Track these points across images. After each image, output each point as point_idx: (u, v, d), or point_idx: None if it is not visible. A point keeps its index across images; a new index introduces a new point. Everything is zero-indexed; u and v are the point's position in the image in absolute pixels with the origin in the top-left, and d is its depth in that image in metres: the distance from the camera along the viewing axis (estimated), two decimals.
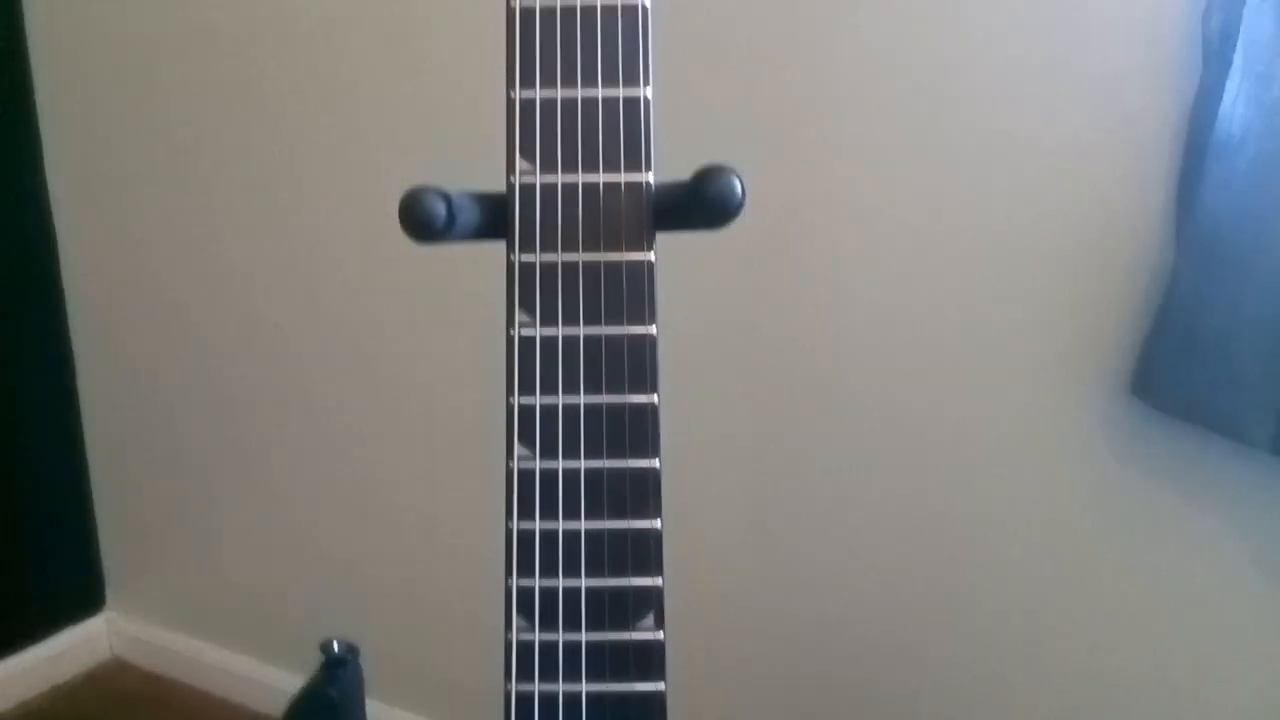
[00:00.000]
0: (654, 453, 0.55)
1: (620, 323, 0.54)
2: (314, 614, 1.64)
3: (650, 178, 0.53)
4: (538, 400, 0.54)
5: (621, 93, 0.52)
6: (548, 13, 0.52)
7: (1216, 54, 0.91)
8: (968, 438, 1.16)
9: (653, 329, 0.54)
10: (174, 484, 1.75)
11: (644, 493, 0.55)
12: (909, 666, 1.25)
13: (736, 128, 1.20)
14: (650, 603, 0.56)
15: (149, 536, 1.82)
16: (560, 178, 0.53)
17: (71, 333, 1.77)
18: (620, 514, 0.55)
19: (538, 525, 0.55)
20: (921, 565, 1.21)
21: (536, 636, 0.56)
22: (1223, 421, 0.97)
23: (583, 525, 0.55)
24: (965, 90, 1.09)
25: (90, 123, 1.65)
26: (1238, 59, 0.89)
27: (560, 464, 0.55)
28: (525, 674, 0.56)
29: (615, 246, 0.53)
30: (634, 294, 0.54)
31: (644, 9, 0.52)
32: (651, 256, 0.53)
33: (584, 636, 0.55)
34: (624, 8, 0.52)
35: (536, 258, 0.53)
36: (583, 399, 0.54)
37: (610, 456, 0.55)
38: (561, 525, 0.55)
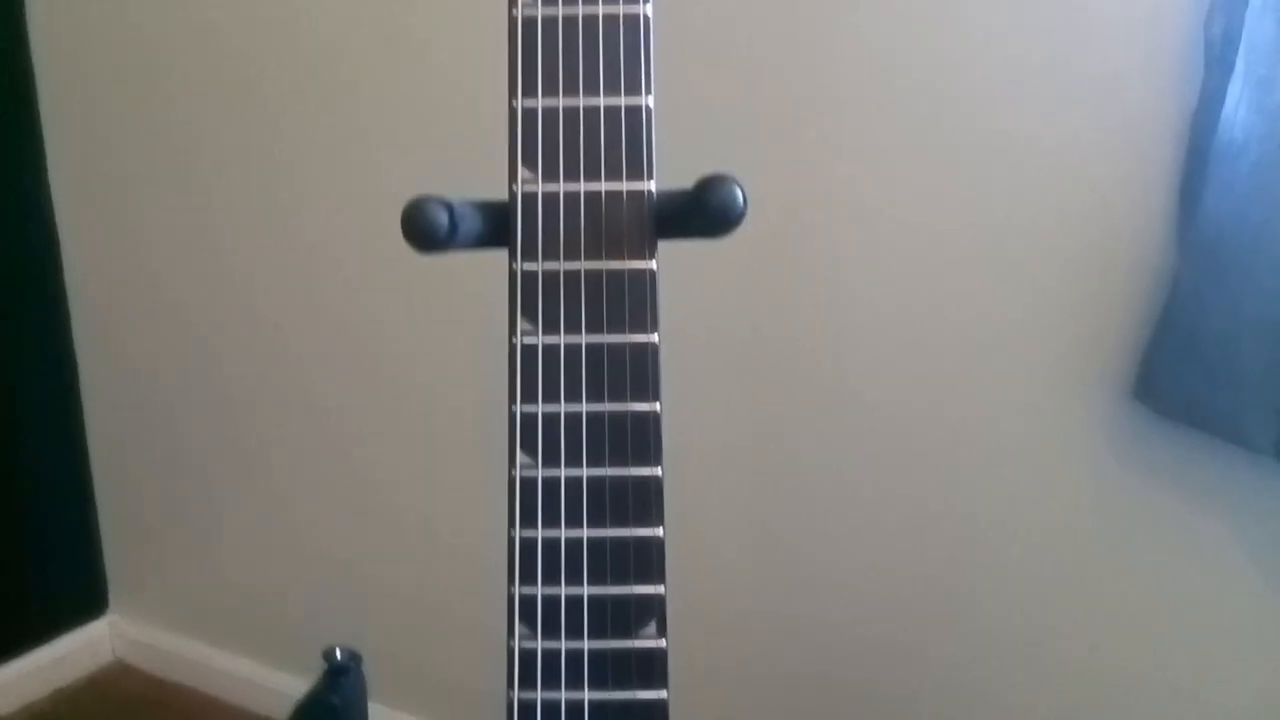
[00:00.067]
0: (656, 461, 0.55)
1: (622, 331, 0.54)
2: (317, 617, 1.64)
3: (652, 186, 0.53)
4: (540, 408, 0.55)
5: (623, 102, 0.53)
6: (549, 22, 0.52)
7: (1219, 58, 0.91)
8: (969, 441, 1.16)
9: (654, 337, 0.54)
10: (177, 487, 1.75)
11: (646, 501, 0.55)
12: (910, 667, 1.25)
13: (736, 128, 1.20)
14: (652, 610, 0.56)
15: (151, 539, 1.82)
16: (562, 186, 0.53)
17: (73, 333, 1.77)
18: (622, 522, 0.55)
19: (540, 533, 0.55)
20: (923, 567, 1.22)
21: (539, 645, 0.56)
22: (1224, 425, 0.97)
23: (585, 533, 0.55)
24: (966, 91, 1.09)
25: (92, 123, 1.66)
26: (1240, 63, 0.89)
27: (562, 472, 0.55)
28: (528, 682, 0.56)
29: (617, 255, 0.53)
30: (636, 302, 0.54)
31: (645, 18, 0.52)
32: (653, 265, 0.54)
33: (586, 644, 0.56)
34: (625, 17, 0.52)
35: (539, 266, 0.54)
36: (585, 407, 0.54)
37: (612, 465, 0.55)
38: (564, 533, 0.55)
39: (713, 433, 1.28)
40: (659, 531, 0.55)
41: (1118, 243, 1.05)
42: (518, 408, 0.54)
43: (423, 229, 0.50)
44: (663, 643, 0.56)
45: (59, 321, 1.76)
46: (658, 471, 0.55)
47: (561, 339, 0.54)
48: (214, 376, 1.66)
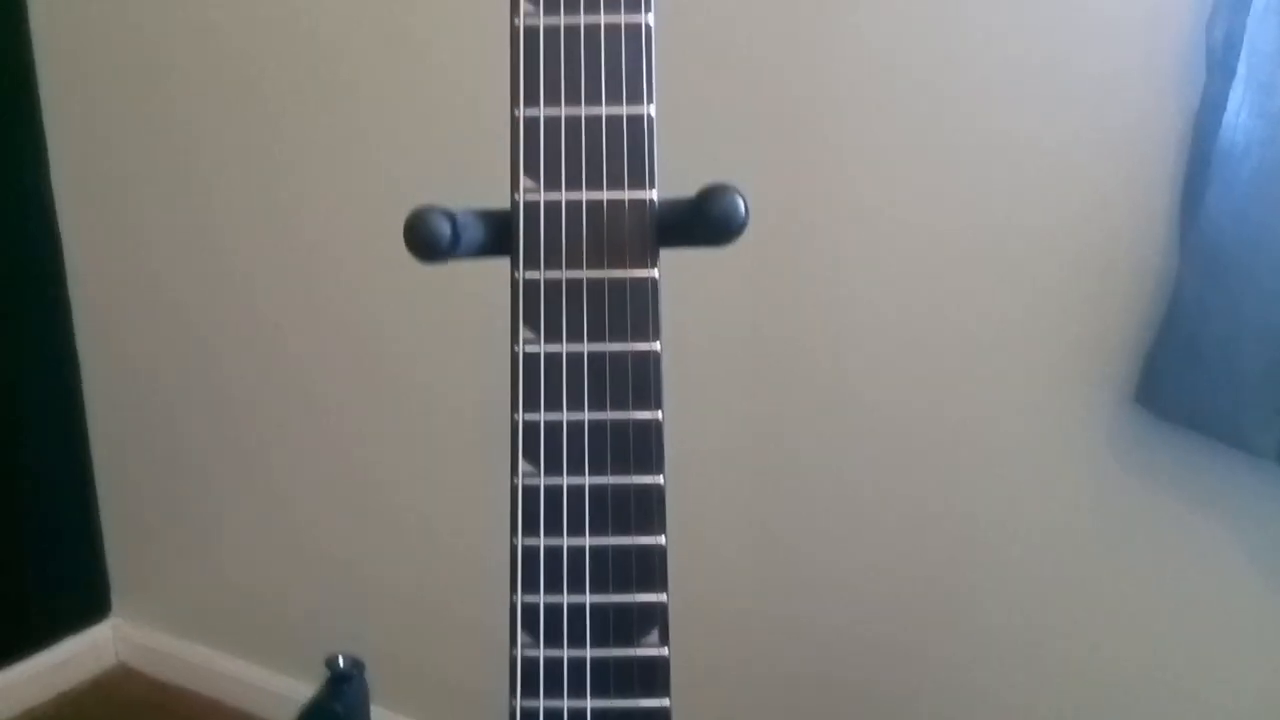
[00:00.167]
0: (658, 469, 0.55)
1: (624, 339, 0.54)
2: (319, 620, 1.65)
3: (654, 195, 0.53)
4: (542, 416, 0.55)
5: (625, 111, 0.53)
6: (551, 31, 0.52)
7: (1220, 63, 0.91)
8: (969, 442, 1.16)
9: (656, 345, 0.54)
10: (178, 489, 1.75)
11: (648, 509, 0.55)
12: (910, 667, 1.25)
13: (736, 129, 1.20)
14: (655, 618, 0.56)
15: (154, 542, 1.82)
16: (564, 195, 0.53)
17: (75, 334, 1.77)
18: (624, 530, 0.55)
19: (542, 541, 0.55)
20: (923, 567, 1.22)
21: (541, 653, 0.56)
22: (1226, 429, 0.97)
23: (587, 541, 0.55)
24: (966, 92, 1.09)
25: (94, 124, 1.66)
26: (1241, 68, 0.89)
27: (565, 480, 0.55)
28: (530, 690, 0.56)
29: (619, 263, 0.53)
30: (638, 311, 0.54)
31: (647, 28, 0.52)
32: (655, 273, 0.54)
33: (589, 653, 0.56)
34: (627, 26, 0.52)
35: (541, 275, 0.54)
36: (587, 415, 0.54)
37: (614, 473, 0.55)
38: (566, 541, 0.55)
39: (713, 433, 1.28)
40: (661, 539, 0.55)
41: (1118, 245, 1.05)
42: (520, 416, 0.54)
43: (425, 239, 0.50)
44: (665, 651, 0.56)
45: (61, 322, 1.76)
46: (659, 479, 0.55)
47: (564, 347, 0.54)
48: (215, 377, 1.66)
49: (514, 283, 0.54)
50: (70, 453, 1.79)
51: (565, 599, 0.55)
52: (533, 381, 0.54)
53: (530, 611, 0.55)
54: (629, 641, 0.56)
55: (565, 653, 0.56)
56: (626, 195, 0.53)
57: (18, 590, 1.76)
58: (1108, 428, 1.08)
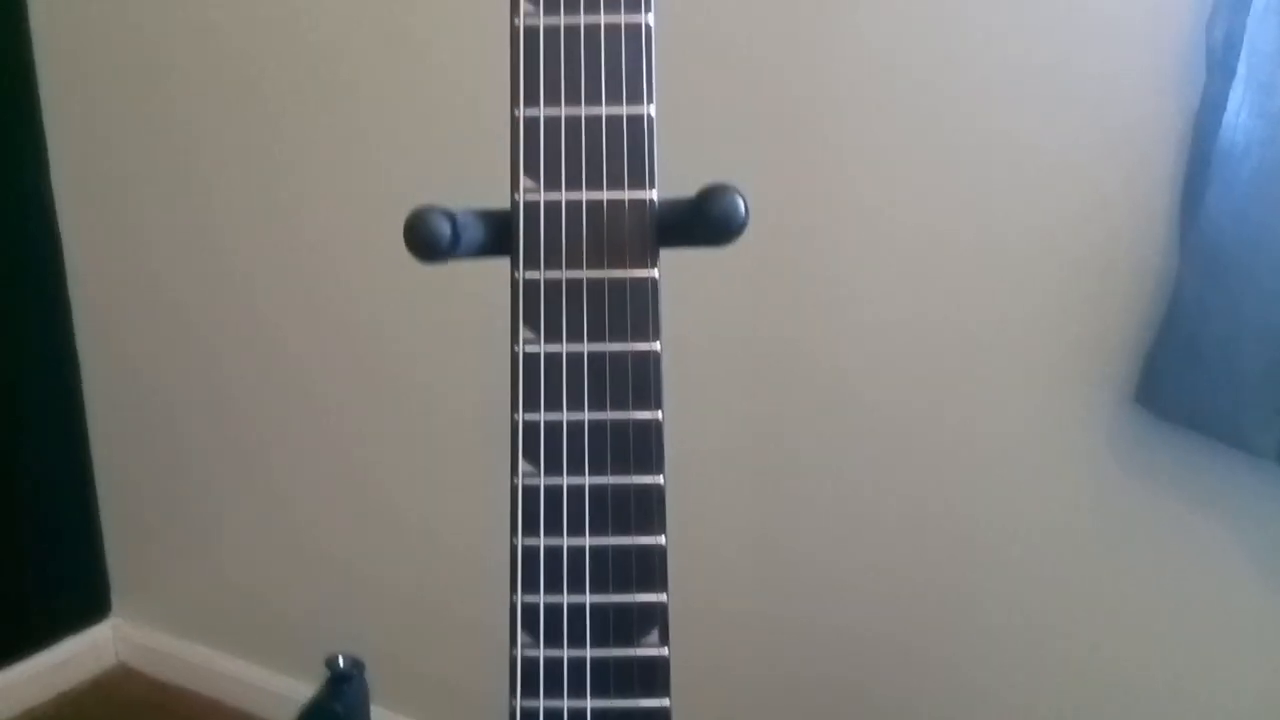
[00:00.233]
0: (658, 469, 0.55)
1: (624, 339, 0.54)
2: (319, 620, 1.65)
3: (654, 195, 0.53)
4: (542, 416, 0.55)
5: (625, 111, 0.53)
6: (551, 31, 0.52)
7: (1220, 63, 0.91)
8: (969, 442, 1.16)
9: (656, 345, 0.54)
10: (178, 489, 1.76)
11: (648, 509, 0.55)
12: (910, 667, 1.25)
13: (736, 129, 1.20)
14: (655, 619, 0.56)
15: (154, 542, 1.82)
16: (564, 195, 0.53)
17: (75, 333, 1.77)
18: (624, 530, 0.55)
19: (542, 541, 0.55)
20: (923, 568, 1.22)
21: (541, 653, 0.56)
22: (1226, 429, 0.97)
23: (587, 541, 0.55)
24: (966, 92, 1.09)
25: (94, 124, 1.66)
26: (1241, 68, 0.89)
27: (565, 480, 0.55)
28: (530, 690, 0.56)
29: (619, 263, 0.53)
30: (638, 311, 0.54)
31: (647, 28, 0.52)
32: (655, 274, 0.54)
33: (589, 653, 0.56)
34: (627, 26, 0.52)
35: (541, 275, 0.54)
36: (587, 415, 0.55)
37: (614, 473, 0.55)
38: (566, 541, 0.55)
39: (713, 433, 1.28)
40: (661, 540, 0.55)
41: (1118, 245, 1.05)
42: (520, 416, 0.55)
43: (425, 239, 0.50)
44: (665, 651, 0.56)
45: (61, 322, 1.76)
46: (659, 479, 0.55)
47: (564, 347, 0.54)
48: (215, 377, 1.66)
49: (514, 283, 0.54)
50: (70, 453, 1.79)
51: (565, 599, 0.55)
52: (533, 381, 0.54)
53: (530, 611, 0.55)
54: (629, 641, 0.56)
55: (565, 653, 0.56)
56: (626, 195, 0.53)
57: (18, 590, 1.76)
58: (1108, 428, 1.08)
